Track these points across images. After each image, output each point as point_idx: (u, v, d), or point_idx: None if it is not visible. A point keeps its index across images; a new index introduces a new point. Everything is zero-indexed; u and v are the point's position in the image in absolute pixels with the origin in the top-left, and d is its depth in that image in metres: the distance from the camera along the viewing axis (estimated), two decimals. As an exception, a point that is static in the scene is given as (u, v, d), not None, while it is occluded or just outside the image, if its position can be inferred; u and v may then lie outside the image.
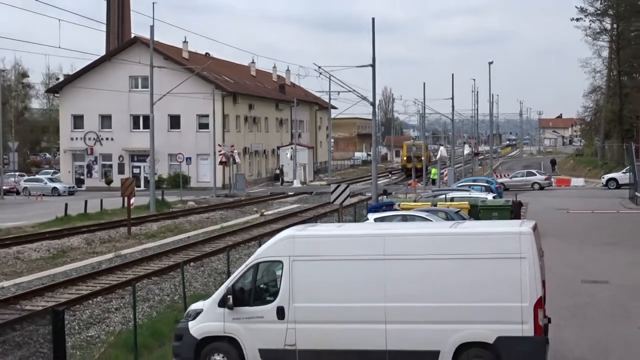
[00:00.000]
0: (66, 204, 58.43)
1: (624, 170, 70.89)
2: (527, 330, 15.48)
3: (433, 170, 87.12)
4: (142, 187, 77.48)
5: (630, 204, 56.23)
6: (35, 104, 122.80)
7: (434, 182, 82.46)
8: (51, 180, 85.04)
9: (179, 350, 17.52)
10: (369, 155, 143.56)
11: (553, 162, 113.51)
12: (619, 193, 66.38)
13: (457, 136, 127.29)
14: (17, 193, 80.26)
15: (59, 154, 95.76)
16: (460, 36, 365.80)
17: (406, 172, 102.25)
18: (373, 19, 52.47)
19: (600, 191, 72.22)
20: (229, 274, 22.29)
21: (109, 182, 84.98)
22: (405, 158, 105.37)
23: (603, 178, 78.26)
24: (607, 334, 19.93)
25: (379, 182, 59.10)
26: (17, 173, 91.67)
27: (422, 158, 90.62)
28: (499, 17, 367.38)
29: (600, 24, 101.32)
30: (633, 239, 38.59)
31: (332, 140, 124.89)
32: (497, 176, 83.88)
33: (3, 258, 37.35)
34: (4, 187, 78.46)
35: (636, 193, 55.85)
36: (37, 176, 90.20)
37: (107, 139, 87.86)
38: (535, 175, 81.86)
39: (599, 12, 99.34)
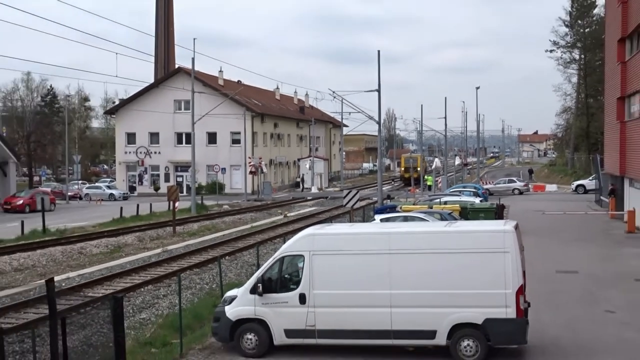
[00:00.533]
0: (121, 208, 58.47)
1: (590, 178, 71.62)
2: (510, 313, 15.88)
3: (429, 178, 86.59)
4: (185, 193, 77.50)
5: (595, 206, 56.45)
6: (95, 124, 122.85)
7: (429, 188, 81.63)
8: (108, 187, 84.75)
9: (217, 330, 17.88)
10: (374, 165, 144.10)
11: (530, 171, 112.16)
12: (586, 197, 66.48)
13: (449, 149, 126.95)
14: (80, 198, 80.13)
15: (114, 166, 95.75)
16: (451, 65, 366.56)
17: (404, 181, 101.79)
18: (379, 51, 53.48)
19: (570, 195, 71.47)
20: (258, 266, 22.70)
21: (156, 188, 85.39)
22: (403, 169, 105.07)
23: (573, 184, 78.84)
24: (577, 316, 20.45)
25: (383, 189, 59.14)
26: (80, 182, 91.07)
27: (418, 169, 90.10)
28: (484, 49, 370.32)
29: (570, 54, 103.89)
30: (599, 236, 39.11)
31: (344, 153, 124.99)
32: (483, 183, 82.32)
33: (69, 253, 37.67)
34: (69, 194, 79.11)
35: (601, 197, 55.95)
36: (96, 184, 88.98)
37: (155, 152, 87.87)
38: (516, 182, 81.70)
39: (569, 44, 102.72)
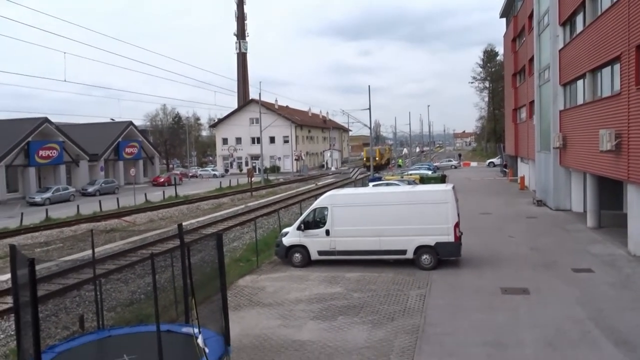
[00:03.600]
0: (220, 182, 59.75)
1: (497, 157, 70.69)
2: (450, 238, 16.08)
3: (400, 160, 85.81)
4: (257, 172, 76.78)
5: (500, 175, 55.62)
6: (204, 133, 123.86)
7: (399, 166, 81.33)
8: (213, 170, 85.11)
9: (277, 252, 18.17)
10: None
11: (459, 155, 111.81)
12: (494, 169, 65.87)
13: (412, 142, 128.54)
14: (196, 177, 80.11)
15: (216, 157, 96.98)
16: (413, 92, 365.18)
17: (366, 167, 79.67)
18: (369, 86, 55.10)
19: (485, 169, 70.61)
20: (301, 214, 22.06)
21: (241, 170, 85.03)
22: (365, 158, 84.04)
23: (487, 162, 77.67)
24: (490, 239, 20.68)
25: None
26: (196, 167, 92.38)
27: (377, 158, 76.35)
28: (431, 82, 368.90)
29: (483, 84, 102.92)
30: (503, 192, 38.71)
31: (350, 147, 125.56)
32: (433, 162, 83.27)
33: (191, 208, 38.28)
34: (190, 174, 79.63)
35: (504, 169, 55.07)
36: (205, 168, 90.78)
37: (239, 149, 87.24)
38: (452, 161, 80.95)
39: (482, 78, 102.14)
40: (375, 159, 72.94)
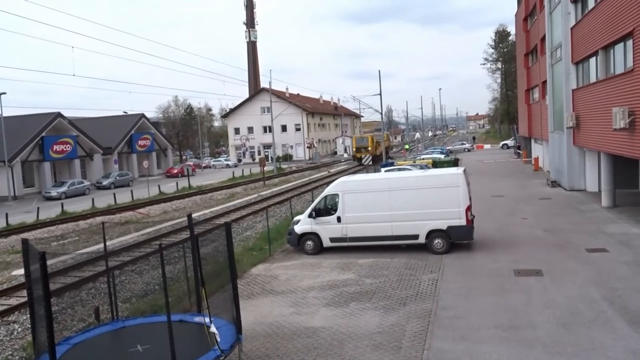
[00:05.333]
0: (233, 172, 59.87)
1: (511, 139, 70.20)
2: (462, 222, 15.94)
3: (407, 146, 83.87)
4: (269, 161, 76.89)
5: (514, 157, 55.20)
6: (216, 124, 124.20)
7: (409, 151, 79.93)
8: (225, 160, 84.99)
9: (290, 240, 18.14)
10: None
11: (474, 138, 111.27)
12: (508, 151, 65.39)
13: (425, 127, 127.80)
14: (209, 167, 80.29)
15: (228, 147, 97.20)
16: (424, 76, 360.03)
17: (357, 160, 61.92)
18: (379, 70, 57.17)
19: (498, 151, 70.11)
20: (312, 201, 22.26)
21: (253, 159, 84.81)
22: (355, 149, 63.57)
23: (500, 144, 76.89)
24: (503, 222, 20.52)
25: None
26: (209, 157, 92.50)
27: (369, 147, 60.80)
28: (443, 66, 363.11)
29: (495, 65, 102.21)
30: (517, 174, 38.36)
31: (362, 133, 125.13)
32: (446, 146, 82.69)
33: (204, 199, 38.42)
34: (203, 165, 79.69)
35: (518, 151, 54.65)
36: (218, 158, 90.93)
37: (251, 138, 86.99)
38: (465, 144, 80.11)
39: (495, 59, 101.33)
40: (368, 149, 61.20)
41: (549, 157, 34.40)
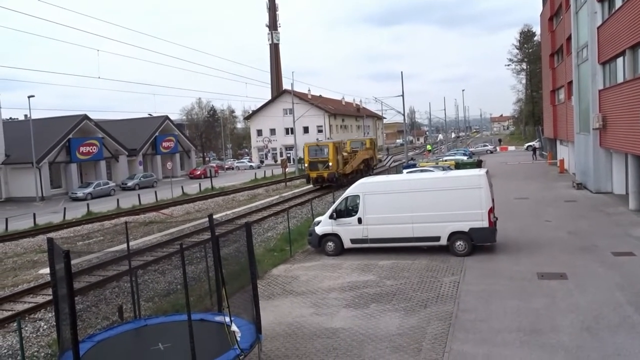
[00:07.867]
0: (255, 173, 60.17)
1: (536, 140, 69.43)
2: (485, 224, 15.81)
3: (428, 146, 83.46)
4: (291, 163, 77.43)
5: (539, 158, 54.46)
6: (239, 125, 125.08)
7: (430, 152, 78.12)
8: (249, 161, 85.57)
9: (310, 241, 18.26)
10: (403, 141, 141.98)
11: (499, 140, 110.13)
12: (530, 153, 64.47)
13: (448, 129, 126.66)
14: (232, 169, 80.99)
15: (251, 149, 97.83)
16: (446, 78, 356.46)
17: (312, 182, 39.90)
18: (402, 72, 54.45)
19: (523, 152, 69.24)
20: (333, 202, 22.07)
21: (275, 161, 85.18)
22: (307, 164, 40.22)
23: (525, 145, 76.02)
24: (527, 224, 20.33)
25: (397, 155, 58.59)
26: (232, 159, 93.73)
27: (330, 163, 38.75)
28: (465, 67, 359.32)
29: (520, 66, 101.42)
30: (541, 176, 37.98)
31: (385, 134, 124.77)
32: (469, 147, 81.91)
33: (226, 200, 38.73)
34: (226, 166, 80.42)
35: (543, 152, 54.04)
36: (241, 160, 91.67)
37: (274, 140, 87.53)
38: (488, 146, 79.66)
39: (519, 60, 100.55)
40: (328, 164, 38.94)
41: (574, 159, 33.85)
